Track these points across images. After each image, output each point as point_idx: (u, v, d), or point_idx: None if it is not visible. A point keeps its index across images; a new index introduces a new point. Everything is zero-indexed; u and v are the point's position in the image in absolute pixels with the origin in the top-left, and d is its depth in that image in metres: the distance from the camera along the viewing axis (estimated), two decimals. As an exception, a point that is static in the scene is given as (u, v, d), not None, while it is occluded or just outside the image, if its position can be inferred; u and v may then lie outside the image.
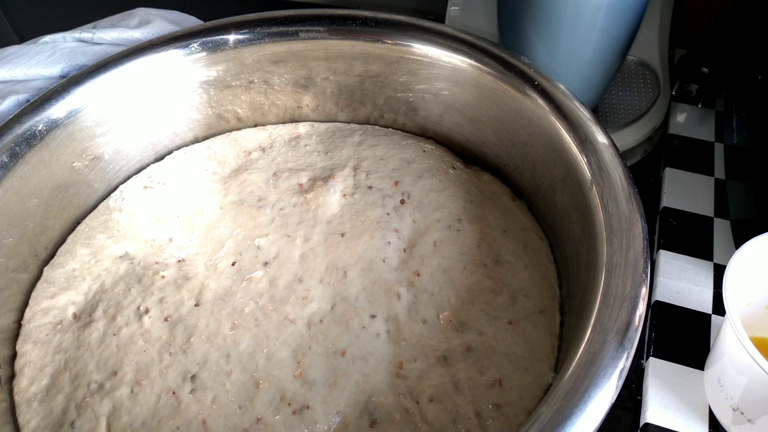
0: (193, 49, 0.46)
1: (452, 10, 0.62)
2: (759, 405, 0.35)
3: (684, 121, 0.58)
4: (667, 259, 0.47)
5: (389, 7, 0.47)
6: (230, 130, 0.52)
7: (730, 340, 0.35)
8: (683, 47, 0.64)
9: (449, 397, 0.35)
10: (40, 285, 0.42)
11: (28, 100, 0.44)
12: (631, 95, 0.58)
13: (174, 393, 0.36)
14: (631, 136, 0.55)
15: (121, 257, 0.43)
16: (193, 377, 0.37)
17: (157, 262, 0.43)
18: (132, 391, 0.37)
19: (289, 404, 0.36)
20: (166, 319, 0.39)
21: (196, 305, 0.40)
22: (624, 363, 0.28)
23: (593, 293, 0.31)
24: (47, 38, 0.51)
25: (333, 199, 0.45)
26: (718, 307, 0.44)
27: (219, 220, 0.45)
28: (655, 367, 0.42)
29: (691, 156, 0.55)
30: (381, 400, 0.35)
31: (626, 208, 0.33)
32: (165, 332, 0.39)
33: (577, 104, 0.39)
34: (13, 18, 0.82)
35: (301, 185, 0.46)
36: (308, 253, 0.42)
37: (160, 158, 0.50)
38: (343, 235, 0.43)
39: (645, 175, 0.55)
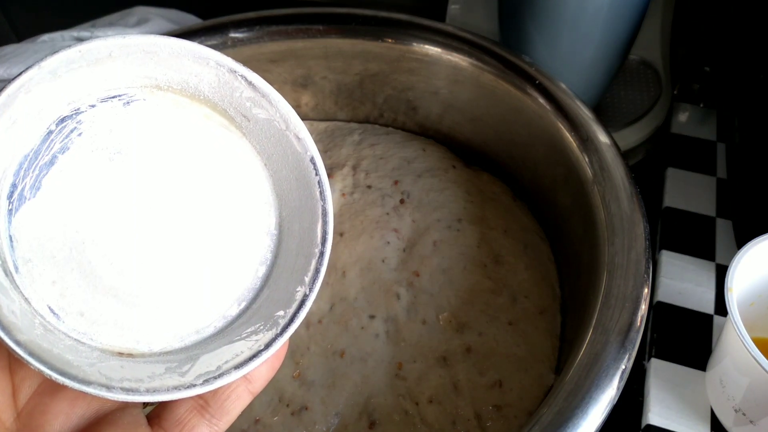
0: (191, 47, 0.46)
1: (453, 8, 0.62)
2: (761, 406, 0.35)
3: (686, 120, 0.58)
4: (668, 260, 0.47)
5: (389, 5, 0.47)
6: (229, 129, 0.52)
7: (732, 341, 0.35)
8: (685, 46, 0.64)
9: (449, 398, 0.35)
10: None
11: (26, 99, 0.44)
12: (633, 94, 0.57)
13: (172, 394, 0.36)
14: (633, 136, 0.55)
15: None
16: (191, 378, 0.37)
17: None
18: (129, 392, 0.36)
19: (287, 405, 0.35)
20: (163, 320, 0.39)
21: (194, 305, 0.40)
22: (626, 364, 0.28)
23: (594, 294, 0.31)
24: (45, 37, 0.51)
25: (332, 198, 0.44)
26: (720, 308, 0.44)
27: (217, 220, 0.45)
28: (656, 367, 0.41)
29: (694, 155, 0.55)
30: (380, 401, 0.35)
31: (628, 208, 0.33)
32: (163, 333, 0.39)
33: (579, 103, 0.39)
34: (11, 17, 0.82)
35: (299, 184, 0.46)
36: (307, 253, 0.42)
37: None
38: (341, 234, 0.42)
39: (647, 175, 0.55)
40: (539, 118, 0.40)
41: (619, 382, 0.28)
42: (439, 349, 0.37)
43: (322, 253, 0.23)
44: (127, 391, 0.19)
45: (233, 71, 0.22)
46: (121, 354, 0.21)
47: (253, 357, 0.21)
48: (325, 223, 0.23)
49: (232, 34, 0.46)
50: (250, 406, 0.35)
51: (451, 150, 0.49)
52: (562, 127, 0.39)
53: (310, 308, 0.38)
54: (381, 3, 0.50)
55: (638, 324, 0.29)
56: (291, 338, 0.38)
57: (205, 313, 0.23)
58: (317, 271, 0.23)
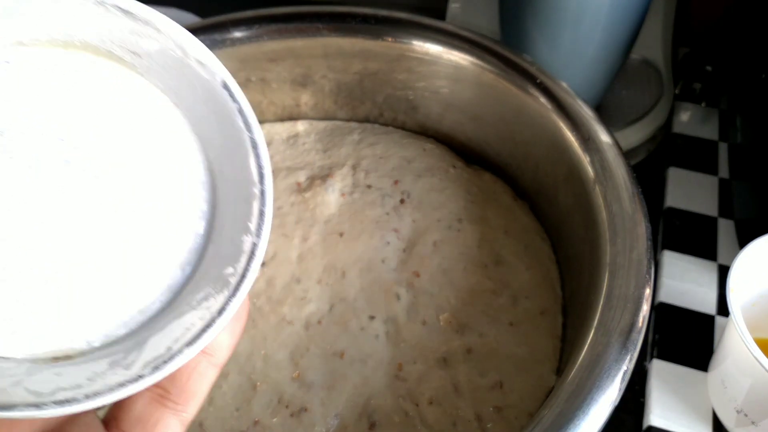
0: (190, 46, 0.45)
1: (453, 7, 0.62)
2: (763, 407, 0.34)
3: (688, 119, 0.58)
4: (670, 260, 0.47)
5: (389, 4, 0.47)
6: (228, 129, 0.52)
7: (734, 342, 0.35)
8: (687, 45, 0.64)
9: (449, 399, 0.35)
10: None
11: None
12: (635, 94, 0.57)
13: (170, 395, 0.36)
14: (635, 135, 0.54)
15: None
16: (190, 379, 0.36)
17: (153, 262, 0.42)
18: (128, 393, 0.36)
19: (287, 407, 0.35)
20: (162, 320, 0.39)
21: (193, 306, 0.40)
22: (627, 365, 0.28)
23: (596, 294, 0.31)
24: (44, 36, 0.51)
25: (331, 198, 0.44)
26: (723, 309, 0.44)
27: (216, 220, 0.44)
28: (658, 368, 0.41)
29: (695, 155, 0.55)
30: (380, 403, 0.35)
31: (630, 208, 0.33)
32: (161, 333, 0.38)
33: (580, 103, 0.39)
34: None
35: (299, 184, 0.46)
36: (306, 253, 0.42)
37: (158, 157, 0.49)
38: (341, 234, 0.42)
39: (648, 175, 0.55)
40: (540, 118, 0.40)
41: (621, 383, 0.27)
42: (440, 350, 0.37)
43: (262, 193, 0.19)
44: (62, 403, 0.16)
45: (101, 3, 0.18)
46: (56, 359, 0.18)
47: (206, 328, 0.18)
48: (257, 156, 0.20)
49: (231, 33, 0.45)
50: (249, 408, 0.35)
51: (451, 149, 0.49)
52: (563, 126, 0.38)
53: (311, 309, 0.39)
54: (381, 2, 0.50)
55: (640, 325, 0.29)
56: (290, 338, 0.38)
57: (145, 289, 0.20)
58: (261, 214, 0.19)
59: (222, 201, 0.21)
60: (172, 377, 0.19)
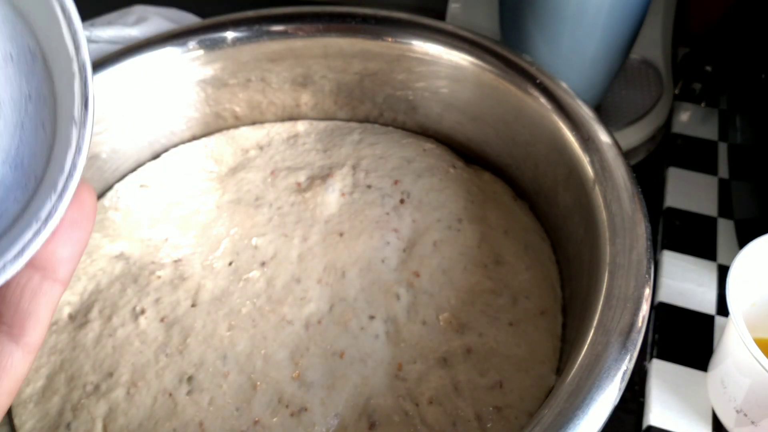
0: (190, 47, 0.45)
1: (453, 7, 0.62)
2: (762, 407, 0.34)
3: (687, 120, 0.58)
4: (670, 260, 0.47)
5: (389, 4, 0.47)
6: (228, 128, 0.52)
7: (733, 342, 0.35)
8: (687, 45, 0.64)
9: (449, 399, 0.35)
10: (35, 285, 0.42)
11: (24, 98, 0.44)
12: (634, 94, 0.57)
13: (170, 395, 0.36)
14: (634, 135, 0.54)
15: (116, 257, 0.43)
16: (190, 379, 0.36)
17: (153, 262, 0.42)
18: (128, 393, 0.36)
19: (286, 406, 0.35)
20: (162, 320, 0.39)
21: (193, 306, 0.40)
22: (627, 365, 0.28)
23: (596, 294, 0.31)
24: (44, 36, 0.51)
25: (331, 198, 0.44)
26: (722, 308, 0.44)
27: (215, 220, 0.45)
28: (658, 368, 0.41)
29: (695, 155, 0.55)
30: (380, 402, 0.35)
31: (629, 208, 0.33)
32: (161, 333, 0.38)
33: (580, 103, 0.39)
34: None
35: (299, 184, 0.46)
36: (306, 253, 0.42)
37: (157, 157, 0.49)
38: (341, 234, 0.42)
39: (648, 175, 0.55)
40: (540, 118, 0.40)
41: (621, 383, 0.27)
42: (440, 349, 0.37)
43: (82, 67, 0.17)
44: None
45: None
46: None
47: (32, 239, 0.16)
48: (69, 21, 0.17)
49: (231, 34, 0.46)
50: (249, 407, 0.35)
51: (451, 149, 0.49)
52: (563, 126, 0.38)
53: (311, 308, 0.39)
54: (381, 2, 0.50)
55: (640, 324, 0.29)
56: (290, 338, 0.38)
57: None
58: (84, 98, 0.17)
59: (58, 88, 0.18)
60: (2, 297, 0.17)
